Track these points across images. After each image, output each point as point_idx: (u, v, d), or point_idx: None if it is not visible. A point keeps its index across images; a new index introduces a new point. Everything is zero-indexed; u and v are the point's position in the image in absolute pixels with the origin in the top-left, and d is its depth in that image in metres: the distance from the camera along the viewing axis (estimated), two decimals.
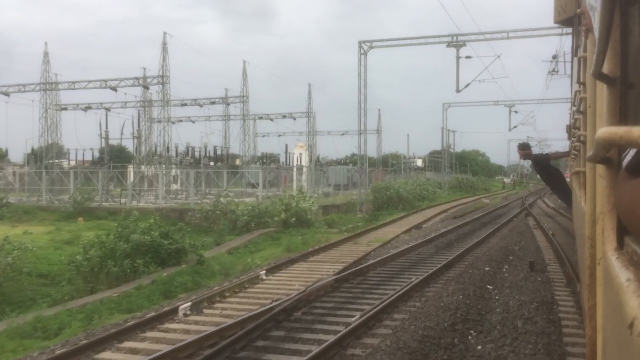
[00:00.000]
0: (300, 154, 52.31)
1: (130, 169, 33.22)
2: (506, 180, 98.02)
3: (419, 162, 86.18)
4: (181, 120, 43.97)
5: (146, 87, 33.46)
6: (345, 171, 52.30)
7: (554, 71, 26.48)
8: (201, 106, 40.59)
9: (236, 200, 26.35)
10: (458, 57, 28.71)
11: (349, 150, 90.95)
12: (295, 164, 47.48)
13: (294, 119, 48.71)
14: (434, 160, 76.06)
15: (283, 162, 51.93)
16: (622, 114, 1.28)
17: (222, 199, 23.98)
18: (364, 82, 30.17)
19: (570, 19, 6.64)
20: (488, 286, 8.98)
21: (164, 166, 31.88)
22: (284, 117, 49.09)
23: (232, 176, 34.28)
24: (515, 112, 50.55)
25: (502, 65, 49.52)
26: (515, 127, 51.92)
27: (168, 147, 34.45)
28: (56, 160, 36.59)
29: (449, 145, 69.96)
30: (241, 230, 20.99)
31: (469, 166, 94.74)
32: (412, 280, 9.33)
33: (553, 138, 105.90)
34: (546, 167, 10.58)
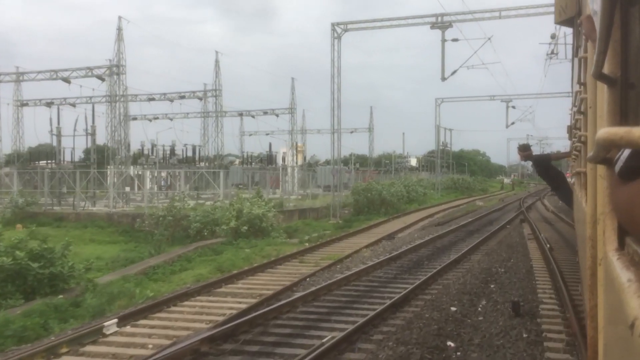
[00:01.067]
0: (284, 152, 54.65)
1: (111, 169, 33.86)
2: (506, 180, 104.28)
3: (413, 162, 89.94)
4: (157, 118, 46.13)
5: (101, 79, 33.85)
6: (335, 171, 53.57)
7: (552, 53, 26.87)
8: (171, 101, 42.26)
9: (193, 203, 26.05)
10: (443, 40, 28.83)
11: (347, 150, 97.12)
12: (282, 164, 50.38)
13: (277, 115, 50.52)
14: (430, 160, 78.34)
15: (268, 162, 54.94)
16: (623, 115, 1.43)
17: (177, 203, 23.71)
18: (338, 70, 30.56)
19: (570, 19, 7.53)
20: (449, 342, 7.08)
21: (121, 166, 32.96)
22: (265, 113, 51.05)
23: (193, 176, 35.78)
24: (513, 107, 52.29)
25: (494, 50, 50.44)
26: (512, 123, 53.65)
27: (129, 145, 36.27)
28: (46, 161, 37.08)
29: (445, 144, 73.38)
30: (194, 239, 20.94)
31: (467, 166, 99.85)
32: (324, 341, 7.16)
33: (553, 137, 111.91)
34: (547, 167, 11.73)
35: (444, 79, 29.22)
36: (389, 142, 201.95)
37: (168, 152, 45.87)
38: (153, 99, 41.80)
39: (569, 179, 12.12)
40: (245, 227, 20.61)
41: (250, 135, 58.05)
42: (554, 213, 29.25)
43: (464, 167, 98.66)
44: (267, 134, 54.89)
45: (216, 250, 18.14)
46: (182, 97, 42.46)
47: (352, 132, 64.88)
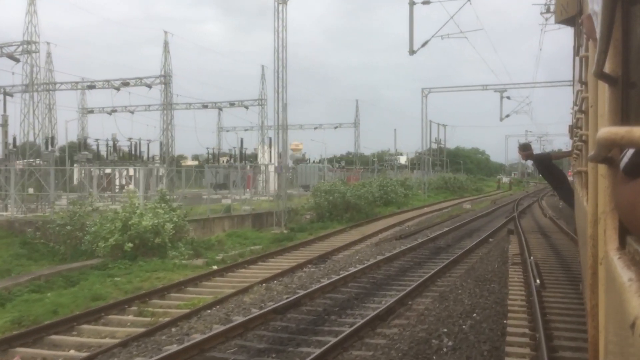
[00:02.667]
0: (255, 148, 59.44)
1: (76, 168, 35.12)
2: (505, 179, 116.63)
3: (403, 160, 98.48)
4: (115, 111, 50.30)
5: (14, 59, 34.81)
6: (316, 170, 59.05)
7: (548, 12, 27.38)
8: (118, 90, 45.01)
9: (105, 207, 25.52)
10: (412, 3, 28.93)
11: (343, 148, 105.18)
12: (253, 163, 54.69)
13: (246, 107, 54.31)
14: (422, 158, 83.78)
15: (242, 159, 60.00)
16: (624, 114, 1.72)
17: (78, 207, 22.70)
18: (283, 41, 30.37)
19: (571, 18, 8.77)
20: None
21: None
22: (232, 105, 55.13)
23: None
24: (508, 98, 55.59)
25: (477, 16, 53.31)
26: (507, 116, 56.97)
27: (51, 140, 38.30)
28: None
29: (439, 141, 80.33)
30: (89, 255, 20.06)
31: (462, 164, 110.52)
32: None
33: (554, 133, 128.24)
34: (548, 166, 13.34)
35: (412, 52, 29.48)
36: (389, 141, 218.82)
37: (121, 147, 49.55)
38: (94, 87, 44.93)
39: (570, 178, 13.77)
40: (131, 244, 19.64)
41: (228, 131, 64.02)
42: (552, 220, 29.58)
43: (459, 165, 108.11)
44: (245, 130, 60.89)
45: (69, 279, 17.11)
46: (126, 85, 44.64)
47: (336, 128, 70.65)
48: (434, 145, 78.13)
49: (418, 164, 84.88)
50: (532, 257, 15.88)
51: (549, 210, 36.80)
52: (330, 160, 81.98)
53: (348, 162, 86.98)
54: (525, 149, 13.56)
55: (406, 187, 54.43)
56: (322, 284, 13.67)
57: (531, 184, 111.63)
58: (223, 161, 59.59)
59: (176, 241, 21.64)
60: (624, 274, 1.17)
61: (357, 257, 18.69)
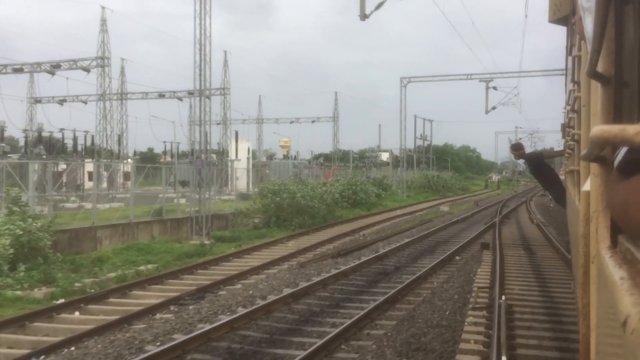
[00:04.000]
0: (219, 142, 64.44)
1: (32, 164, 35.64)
2: (495, 177, 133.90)
3: (385, 157, 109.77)
4: (65, 100, 57.90)
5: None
6: (290, 166, 66.22)
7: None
8: (52, 74, 50.74)
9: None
10: None
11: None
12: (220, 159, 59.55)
13: (209, 98, 56.04)
14: (409, 155, 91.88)
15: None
16: (617, 113, 2.16)
17: None
18: (204, 29, 32.24)
19: (564, 17, 10.55)
20: None
21: None
22: (191, 94, 58.56)
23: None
24: (494, 88, 62.10)
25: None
26: (494, 108, 63.87)
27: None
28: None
29: (424, 136, 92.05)
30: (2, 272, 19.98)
31: (450, 162, 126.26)
32: None
33: (546, 130, 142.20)
34: (539, 165, 15.64)
35: (364, 16, 30.35)
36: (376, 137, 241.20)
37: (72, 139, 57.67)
38: (21, 70, 51.43)
39: (561, 177, 15.86)
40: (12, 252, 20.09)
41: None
42: (539, 227, 30.15)
43: (446, 162, 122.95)
44: (218, 124, 65.76)
45: None
46: (56, 67, 49.50)
47: (313, 122, 78.82)
48: (420, 142, 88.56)
49: (404, 161, 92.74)
50: (503, 298, 14.01)
51: (537, 214, 38.59)
52: (317, 157, 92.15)
53: (328, 159, 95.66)
54: (517, 149, 15.97)
55: (383, 186, 58.47)
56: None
57: (522, 182, 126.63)
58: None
59: (22, 261, 20.80)
60: (616, 273, 1.40)
61: (253, 290, 17.36)
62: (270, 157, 78.77)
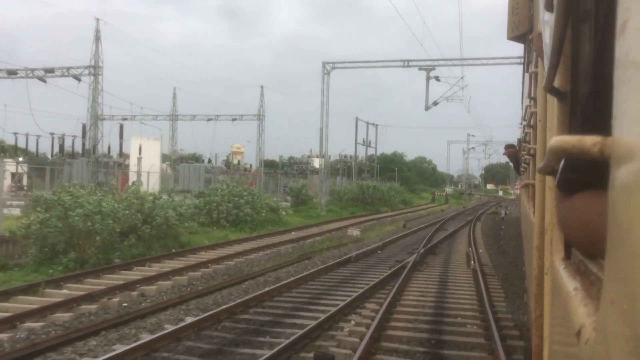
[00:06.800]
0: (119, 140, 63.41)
1: None
2: (448, 190, 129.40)
3: (317, 163, 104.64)
4: None
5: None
6: (202, 171, 61.97)
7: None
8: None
9: None
10: None
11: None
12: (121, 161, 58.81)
13: (78, 79, 56.71)
14: (345, 162, 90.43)
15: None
16: (572, 127, 2.20)
17: None
18: None
19: (522, 35, 11.30)
20: None
21: None
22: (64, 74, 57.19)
23: None
24: (437, 78, 54.58)
25: None
26: (435, 103, 55.56)
27: None
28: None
29: (368, 143, 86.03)
30: None
31: (397, 172, 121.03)
32: None
33: (499, 141, 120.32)
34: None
35: None
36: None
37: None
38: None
39: (517, 192, 15.75)
40: None
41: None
42: (477, 274, 20.05)
43: (393, 172, 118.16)
44: (124, 119, 68.26)
45: None
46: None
47: (234, 120, 72.74)
48: (361, 148, 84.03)
49: (343, 169, 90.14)
50: None
51: (482, 245, 30.43)
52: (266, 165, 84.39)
53: (273, 165, 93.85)
54: (510, 147, 16.41)
55: (301, 197, 55.38)
56: None
57: (475, 196, 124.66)
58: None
59: None
60: (570, 284, 1.46)
61: None
62: (179, 159, 72.01)
